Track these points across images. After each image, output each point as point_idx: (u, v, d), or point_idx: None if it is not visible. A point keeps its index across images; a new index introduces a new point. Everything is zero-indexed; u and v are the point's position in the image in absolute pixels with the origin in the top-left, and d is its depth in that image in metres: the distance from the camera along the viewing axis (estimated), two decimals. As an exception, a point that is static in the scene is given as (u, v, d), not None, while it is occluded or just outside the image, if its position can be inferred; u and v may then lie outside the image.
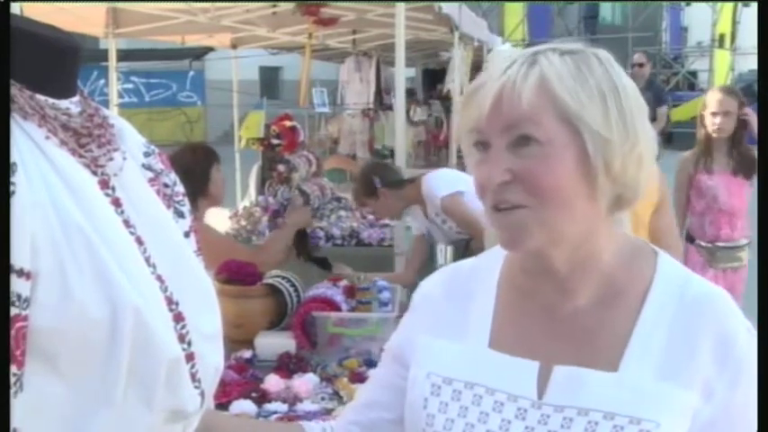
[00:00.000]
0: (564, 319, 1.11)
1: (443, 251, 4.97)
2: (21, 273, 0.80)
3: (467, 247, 3.84)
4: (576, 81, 1.02)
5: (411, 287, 1.34)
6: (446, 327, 1.19)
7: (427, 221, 4.08)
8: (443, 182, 3.87)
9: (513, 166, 1.02)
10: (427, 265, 4.16)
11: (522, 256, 1.13)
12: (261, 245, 4.12)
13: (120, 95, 9.74)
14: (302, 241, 4.12)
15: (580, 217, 1.05)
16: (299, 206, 4.09)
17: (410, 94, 9.96)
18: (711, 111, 4.20)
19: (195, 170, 3.31)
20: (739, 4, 20.22)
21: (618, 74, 1.06)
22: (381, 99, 9.58)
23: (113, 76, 6.47)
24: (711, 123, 4.20)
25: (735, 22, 20.81)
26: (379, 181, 3.92)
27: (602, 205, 1.07)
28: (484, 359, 1.13)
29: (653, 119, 7.73)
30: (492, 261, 1.22)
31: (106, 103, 6.24)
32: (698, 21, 24.91)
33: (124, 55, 8.82)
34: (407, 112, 8.69)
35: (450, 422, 1.11)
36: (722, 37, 20.97)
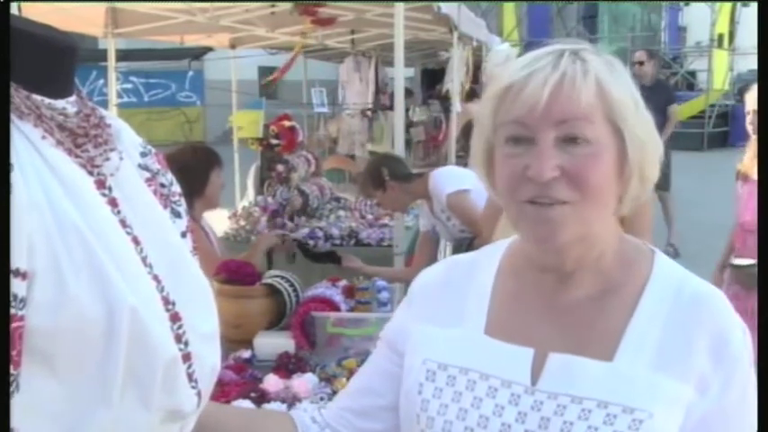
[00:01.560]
0: (561, 309, 1.13)
1: (443, 251, 4.97)
2: (17, 273, 0.80)
3: (470, 245, 3.85)
4: (618, 83, 1.06)
5: None
6: (443, 315, 1.21)
7: (433, 218, 4.09)
8: (450, 179, 3.89)
9: (562, 163, 1.04)
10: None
11: (537, 252, 1.14)
12: None
13: (120, 95, 9.72)
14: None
15: (608, 216, 1.10)
16: (266, 233, 4.13)
17: (407, 93, 9.95)
18: (746, 109, 3.83)
19: (193, 169, 3.31)
20: (738, 3, 20.24)
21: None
22: (379, 99, 9.57)
23: (112, 75, 6.45)
24: (747, 123, 3.81)
25: (734, 22, 20.84)
26: (387, 173, 3.93)
27: (623, 206, 1.10)
28: (479, 345, 1.15)
29: (664, 120, 7.69)
30: (491, 254, 1.25)
31: (105, 103, 6.23)
32: (696, 21, 24.91)
33: (123, 55, 8.82)
34: (406, 111, 8.69)
35: (444, 407, 1.12)
36: (721, 37, 21.00)
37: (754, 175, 3.70)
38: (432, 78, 13.03)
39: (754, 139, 3.80)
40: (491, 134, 1.11)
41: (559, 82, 1.03)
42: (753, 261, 3.61)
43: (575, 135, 1.03)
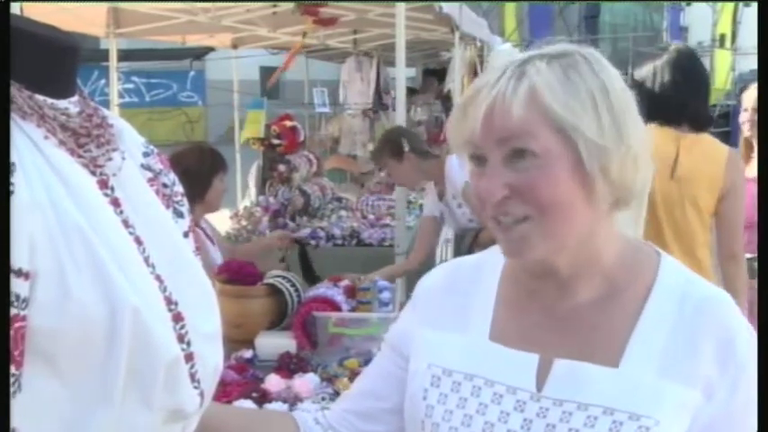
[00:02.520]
0: (565, 315, 1.12)
1: (443, 249, 4.97)
2: (19, 273, 0.80)
3: (475, 238, 3.82)
4: (566, 89, 1.02)
5: (417, 274, 1.34)
6: (447, 319, 1.20)
7: (441, 204, 4.05)
8: None
9: (510, 181, 1.02)
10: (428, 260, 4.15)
11: (526, 262, 1.14)
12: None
13: (121, 95, 9.74)
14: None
15: (579, 223, 1.06)
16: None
17: (412, 92, 9.94)
18: (744, 106, 3.85)
19: (196, 173, 3.29)
20: (740, 3, 20.19)
21: (606, 72, 1.06)
22: (380, 99, 9.56)
23: (114, 76, 6.46)
24: (742, 121, 3.85)
25: (735, 22, 20.79)
26: (407, 144, 3.89)
27: (601, 208, 1.07)
28: (484, 351, 1.14)
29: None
30: (495, 257, 1.23)
31: (107, 103, 6.24)
32: (698, 21, 24.87)
33: (125, 55, 8.82)
34: (408, 111, 8.68)
35: (448, 413, 1.11)
36: (723, 37, 20.94)
37: (748, 173, 3.71)
38: (432, 78, 13.02)
39: (746, 137, 3.80)
40: (460, 151, 1.10)
41: (493, 101, 1.01)
42: (752, 255, 3.56)
43: (519, 149, 1.01)
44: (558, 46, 1.07)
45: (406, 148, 3.88)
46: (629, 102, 1.07)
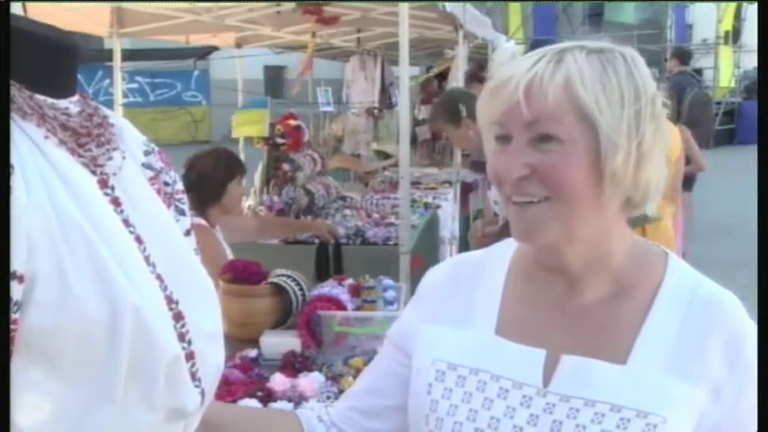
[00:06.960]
0: (573, 312, 1.12)
1: (449, 248, 4.95)
2: (13, 276, 0.80)
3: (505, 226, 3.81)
4: (599, 82, 1.03)
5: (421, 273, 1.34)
6: (452, 315, 1.20)
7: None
8: None
9: (532, 161, 1.03)
10: (429, 262, 4.13)
11: (537, 250, 1.14)
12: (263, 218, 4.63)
13: (125, 95, 9.73)
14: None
15: (590, 217, 1.07)
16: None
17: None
18: None
19: (211, 178, 3.33)
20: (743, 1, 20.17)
21: (641, 74, 1.06)
22: (389, 98, 9.55)
23: (118, 75, 6.45)
24: None
25: (740, 19, 20.76)
26: (465, 109, 3.78)
27: (611, 207, 1.07)
28: (490, 345, 1.13)
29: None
30: (501, 252, 1.24)
31: (111, 103, 6.23)
32: (703, 18, 24.82)
33: (129, 55, 8.83)
34: (412, 110, 8.67)
35: (453, 408, 1.11)
36: (727, 34, 20.91)
37: None
38: (438, 77, 13.01)
39: None
40: (486, 132, 1.12)
41: (529, 83, 1.03)
42: None
43: (546, 134, 1.03)
44: (599, 42, 1.09)
45: (464, 114, 3.76)
46: (657, 106, 1.07)
